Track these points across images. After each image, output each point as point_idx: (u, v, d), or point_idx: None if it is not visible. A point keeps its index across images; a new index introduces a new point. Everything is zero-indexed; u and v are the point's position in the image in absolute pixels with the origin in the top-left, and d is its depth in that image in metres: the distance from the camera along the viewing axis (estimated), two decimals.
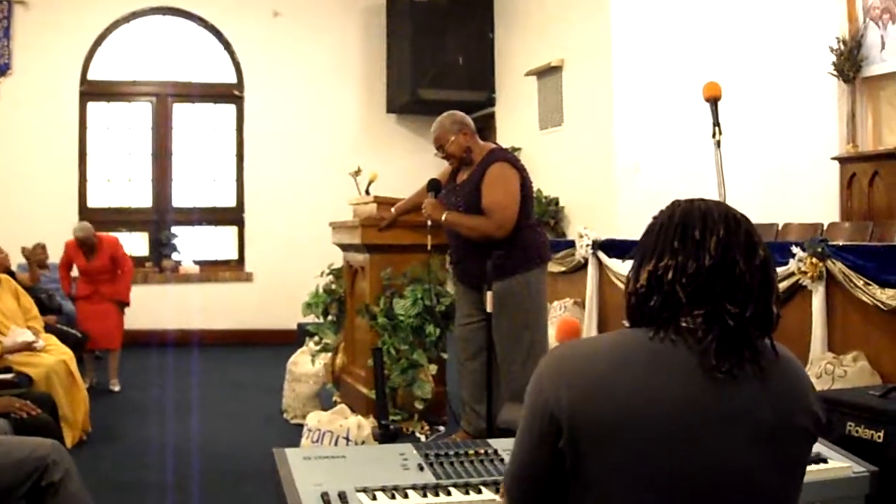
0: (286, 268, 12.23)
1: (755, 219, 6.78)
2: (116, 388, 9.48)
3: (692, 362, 1.95)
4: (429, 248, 6.12)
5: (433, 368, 6.58)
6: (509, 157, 6.08)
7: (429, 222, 6.06)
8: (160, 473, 6.31)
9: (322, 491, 2.72)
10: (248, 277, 13.42)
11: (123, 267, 9.72)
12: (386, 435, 3.25)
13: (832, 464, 3.22)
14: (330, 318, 7.71)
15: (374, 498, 2.73)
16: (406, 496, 2.76)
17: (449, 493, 2.79)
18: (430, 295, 6.47)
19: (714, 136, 4.95)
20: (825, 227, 8.26)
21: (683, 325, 1.98)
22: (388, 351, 6.39)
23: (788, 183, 9.56)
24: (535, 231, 6.05)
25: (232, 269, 13.55)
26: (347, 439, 5.43)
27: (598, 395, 1.93)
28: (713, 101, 4.97)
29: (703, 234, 2.01)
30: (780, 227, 8.75)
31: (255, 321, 12.81)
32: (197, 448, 7.01)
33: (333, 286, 7.77)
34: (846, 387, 5.72)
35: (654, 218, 2.15)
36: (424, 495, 2.78)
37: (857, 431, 3.90)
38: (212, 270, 13.45)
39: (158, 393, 9.33)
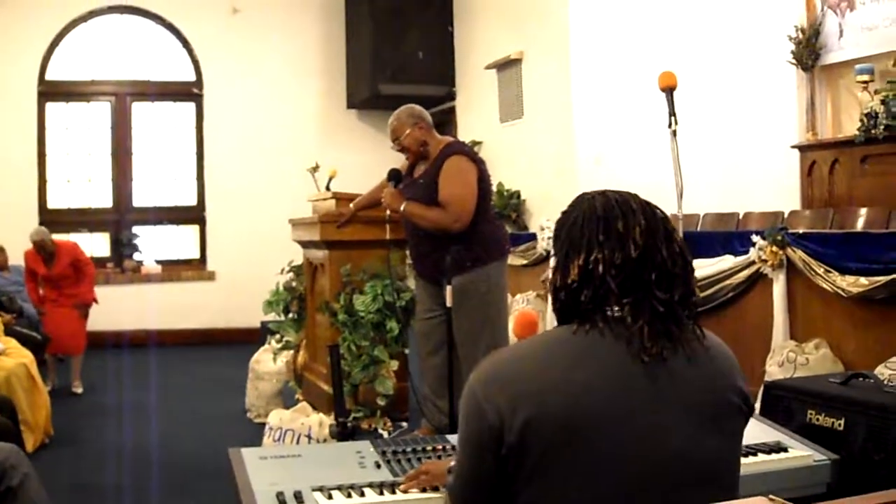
0: (249, 266, 12.17)
1: (715, 209, 6.85)
2: (79, 391, 9.43)
3: (621, 349, 1.99)
4: (387, 237, 6.11)
5: (394, 364, 6.56)
6: (466, 151, 6.05)
7: (387, 213, 6.03)
8: (121, 476, 6.28)
9: (277, 490, 2.69)
10: (210, 276, 13.37)
11: (85, 270, 9.64)
12: (343, 433, 3.21)
13: (793, 452, 3.22)
14: (291, 315, 7.69)
15: (330, 497, 2.70)
16: (362, 494, 2.73)
17: (406, 490, 2.75)
18: (390, 290, 6.44)
19: (670, 125, 4.93)
20: (786, 216, 8.27)
21: (609, 314, 2.02)
22: (349, 347, 6.37)
23: (748, 172, 9.57)
24: (493, 224, 6.03)
25: (194, 268, 13.49)
26: (309, 437, 5.40)
27: (531, 395, 1.95)
28: (669, 91, 4.96)
29: (626, 226, 2.06)
30: (740, 217, 8.75)
31: (218, 320, 12.75)
32: (159, 449, 6.98)
33: (294, 283, 7.74)
34: (808, 374, 5.74)
35: (567, 213, 2.19)
36: (381, 493, 2.75)
37: (817, 420, 3.89)
38: (174, 270, 13.39)
39: (121, 395, 9.24)
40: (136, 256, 13.28)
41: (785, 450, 3.22)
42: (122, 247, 13.24)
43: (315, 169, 7.87)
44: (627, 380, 1.97)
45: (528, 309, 8.77)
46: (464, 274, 5.65)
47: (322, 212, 7.11)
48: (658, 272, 2.03)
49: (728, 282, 7.00)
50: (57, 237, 11.23)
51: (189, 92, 13.52)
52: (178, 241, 13.77)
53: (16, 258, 10.88)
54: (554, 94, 10.48)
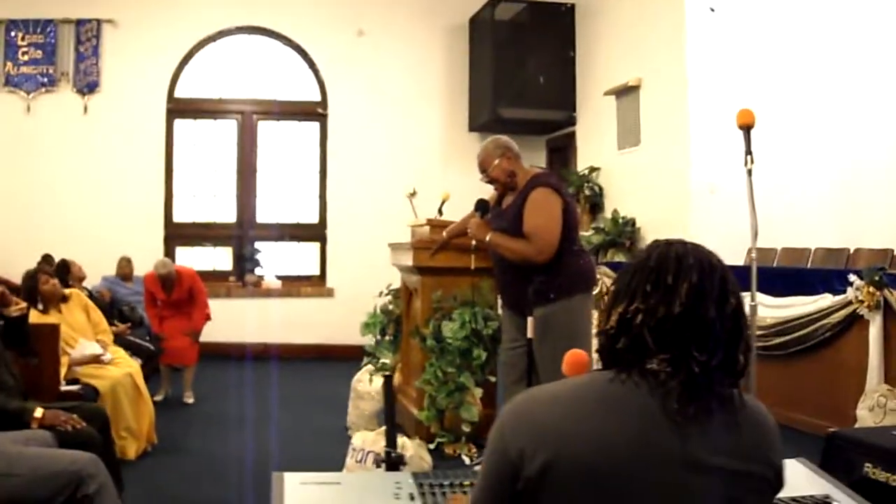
0: (367, 284, 12.20)
1: (826, 243, 6.72)
2: (190, 401, 9.62)
3: (654, 405, 1.95)
4: (472, 268, 6.11)
5: (479, 392, 6.58)
6: (552, 182, 6.01)
7: (473, 243, 6.04)
8: (218, 488, 6.35)
9: None
10: (329, 293, 13.54)
11: (199, 298, 9.84)
12: (388, 462, 3.24)
13: None
14: (387, 338, 7.76)
15: None
16: None
17: None
18: (478, 318, 6.46)
19: (746, 164, 4.84)
20: (895, 254, 8.09)
21: (648, 367, 1.98)
22: (436, 373, 6.40)
23: (863, 206, 9.38)
24: (578, 257, 5.98)
25: (314, 285, 13.67)
26: None
27: (555, 438, 1.94)
28: (746, 129, 4.86)
29: (675, 280, 2.00)
30: (851, 252, 8.57)
31: (336, 336, 12.86)
32: (256, 463, 7.04)
33: (391, 306, 7.81)
34: None
35: (632, 259, 2.16)
36: None
37: (874, 473, 3.78)
38: (293, 285, 13.57)
39: (231, 407, 9.41)
40: (258, 271, 13.50)
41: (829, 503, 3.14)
42: (245, 261, 13.47)
43: (413, 195, 7.93)
44: (656, 437, 1.93)
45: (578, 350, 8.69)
46: (546, 306, 5.64)
47: (418, 237, 7.17)
48: (701, 332, 1.98)
49: (825, 321, 6.89)
50: (180, 251, 11.57)
51: (314, 112, 13.72)
52: (299, 258, 13.95)
53: (140, 269, 11.20)
54: (670, 122, 10.41)
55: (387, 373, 3.27)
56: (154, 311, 9.81)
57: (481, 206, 6.13)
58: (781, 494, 3.06)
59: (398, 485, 3.03)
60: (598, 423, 1.94)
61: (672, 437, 1.93)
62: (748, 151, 4.89)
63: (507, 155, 6.08)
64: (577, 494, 1.92)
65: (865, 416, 6.00)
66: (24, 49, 12.80)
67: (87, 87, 12.91)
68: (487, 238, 5.89)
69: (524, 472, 1.95)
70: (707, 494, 1.94)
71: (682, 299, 1.97)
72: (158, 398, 9.34)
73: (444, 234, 6.59)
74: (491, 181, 6.15)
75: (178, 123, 13.46)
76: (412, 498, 2.95)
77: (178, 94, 13.37)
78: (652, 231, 10.84)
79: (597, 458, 1.91)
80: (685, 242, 2.10)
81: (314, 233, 13.81)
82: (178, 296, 9.66)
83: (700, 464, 1.94)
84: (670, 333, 1.97)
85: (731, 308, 2.01)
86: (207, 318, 9.96)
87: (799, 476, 3.24)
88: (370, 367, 7.90)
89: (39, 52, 12.78)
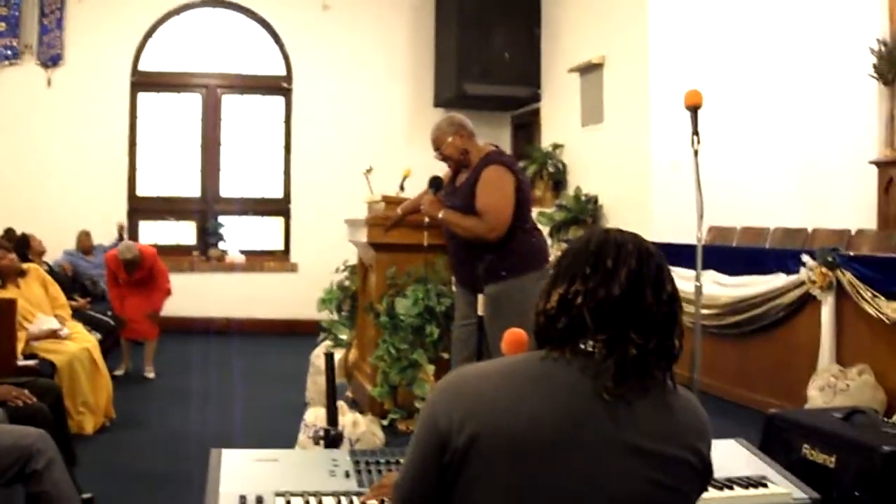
0: (331, 259, 12.21)
1: (787, 223, 6.75)
2: (151, 376, 9.61)
3: (585, 384, 1.99)
4: (425, 244, 6.11)
5: (432, 368, 6.58)
6: (505, 160, 5.98)
7: (426, 220, 6.02)
8: (174, 464, 6.33)
9: (241, 494, 2.74)
10: (293, 268, 13.54)
11: (159, 279, 9.84)
12: (327, 440, 3.26)
13: (772, 489, 3.11)
14: (343, 313, 7.76)
15: (289, 503, 2.75)
16: (320, 502, 2.78)
17: (364, 502, 2.79)
18: (431, 295, 6.46)
19: (692, 144, 4.85)
20: (853, 234, 8.13)
21: (582, 347, 2.02)
22: (389, 350, 6.41)
23: (825, 186, 9.44)
24: (531, 235, 5.95)
25: (277, 260, 13.67)
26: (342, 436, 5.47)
27: (484, 412, 1.97)
28: (693, 110, 4.88)
29: (615, 264, 2.05)
30: (809, 232, 8.62)
31: (298, 311, 12.80)
32: (213, 438, 6.95)
33: (347, 282, 7.81)
34: (847, 401, 5.65)
35: (570, 244, 2.21)
36: (339, 502, 2.79)
37: (811, 455, 3.82)
38: (257, 260, 13.57)
39: (191, 382, 9.40)
40: (221, 245, 13.50)
41: (765, 485, 3.13)
42: (208, 235, 13.48)
43: (369, 171, 7.93)
44: (584, 415, 1.97)
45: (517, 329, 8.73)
46: (498, 283, 5.64)
47: (373, 213, 7.17)
48: (638, 316, 2.03)
49: (778, 301, 6.92)
50: (144, 225, 11.54)
51: (279, 86, 13.69)
52: (263, 233, 13.95)
53: (103, 241, 11.19)
54: (633, 99, 10.42)
55: (330, 350, 3.27)
56: (116, 292, 9.80)
57: (435, 182, 6.13)
58: (718, 475, 3.11)
59: (335, 462, 3.06)
60: (528, 399, 1.98)
61: (601, 416, 1.97)
62: (695, 132, 4.92)
63: (461, 133, 6.05)
64: (501, 467, 1.95)
65: (816, 395, 6.04)
66: None
67: (51, 59, 12.80)
68: (440, 215, 5.88)
69: (451, 443, 1.98)
70: (630, 474, 1.97)
71: (622, 283, 2.03)
72: (119, 373, 9.36)
73: (399, 210, 6.58)
74: (444, 159, 6.14)
75: (142, 97, 13.39)
76: (347, 475, 2.98)
77: (142, 67, 13.30)
78: (614, 208, 10.87)
79: (524, 432, 1.94)
80: (622, 231, 2.15)
81: (278, 207, 13.81)
82: (140, 275, 9.63)
83: (626, 444, 1.97)
84: (609, 315, 2.02)
85: (666, 294, 2.07)
86: (168, 293, 9.93)
87: (736, 456, 3.28)
88: (328, 342, 7.91)
89: (3, 24, 12.64)
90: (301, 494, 2.80)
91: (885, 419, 4.06)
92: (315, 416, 5.71)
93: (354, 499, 2.79)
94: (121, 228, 12.21)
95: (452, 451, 1.98)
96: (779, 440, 4.03)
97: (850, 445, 3.67)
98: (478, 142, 6.12)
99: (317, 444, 3.31)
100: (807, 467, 3.66)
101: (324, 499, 2.80)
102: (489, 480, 1.96)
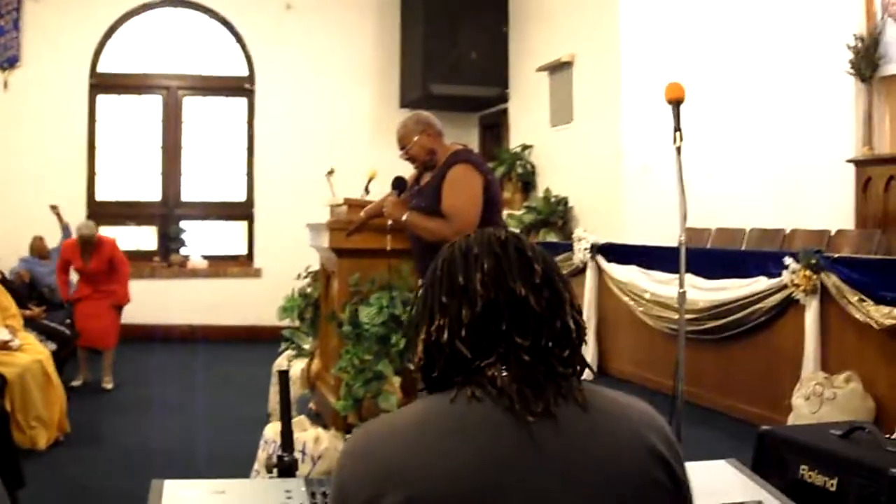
0: (295, 264, 12.05)
1: (763, 224, 6.53)
2: (109, 387, 9.34)
3: (499, 415, 1.69)
4: (388, 248, 5.94)
5: (398, 380, 6.33)
6: (472, 159, 5.73)
7: (389, 223, 5.82)
8: (130, 480, 6.01)
9: None
10: (256, 273, 13.32)
11: (121, 268, 9.60)
12: (281, 468, 2.98)
13: None
14: (305, 322, 7.52)
15: None
16: None
17: None
18: (397, 303, 6.21)
19: (675, 141, 4.59)
20: (832, 235, 7.95)
21: (486, 374, 1.72)
22: (352, 361, 6.15)
23: (802, 186, 9.25)
24: None
25: (241, 265, 13.45)
26: (303, 453, 5.21)
27: (401, 477, 1.67)
28: (675, 104, 4.62)
29: (466, 275, 1.77)
30: (787, 233, 8.43)
31: (262, 317, 12.58)
32: (173, 452, 6.86)
33: (309, 289, 7.58)
34: (834, 411, 5.45)
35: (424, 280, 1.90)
36: None
37: (809, 477, 3.56)
38: (220, 265, 13.36)
39: (152, 392, 9.19)
40: (183, 251, 13.28)
41: None
42: (170, 241, 13.25)
43: (331, 173, 7.71)
44: (509, 455, 1.66)
45: None
46: None
47: (335, 217, 6.95)
48: (515, 316, 1.74)
49: (759, 305, 6.72)
50: (104, 230, 11.20)
51: (241, 87, 13.46)
52: (226, 237, 13.76)
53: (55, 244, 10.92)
54: (603, 99, 10.27)
55: (284, 368, 3.03)
56: (64, 278, 9.63)
57: (398, 184, 5.89)
58: (710, 501, 2.85)
59: (288, 493, 2.77)
60: (446, 451, 1.68)
61: (527, 450, 1.67)
62: (677, 128, 4.65)
63: (428, 132, 5.79)
64: None
65: (801, 405, 5.83)
66: None
67: (8, 61, 12.56)
68: (403, 218, 5.64)
69: None
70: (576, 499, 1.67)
71: (481, 292, 1.74)
72: (76, 383, 9.17)
73: (362, 213, 6.33)
74: (409, 159, 5.89)
75: (102, 99, 13.15)
76: None
77: (101, 69, 13.05)
78: (585, 210, 10.71)
79: (450, 489, 1.65)
80: (468, 234, 1.87)
81: (241, 211, 13.58)
82: (98, 265, 9.40)
83: (563, 470, 1.67)
84: (484, 333, 1.73)
85: (538, 276, 1.77)
86: (128, 277, 9.78)
87: (728, 479, 3.02)
88: (289, 352, 7.67)
89: None
90: None
91: (888, 436, 3.82)
92: (274, 431, 5.45)
93: None
94: (54, 209, 11.67)
95: None
96: (772, 460, 3.79)
97: (854, 467, 3.41)
98: (445, 142, 5.86)
99: (270, 472, 3.03)
100: (805, 490, 3.41)
101: None
102: None
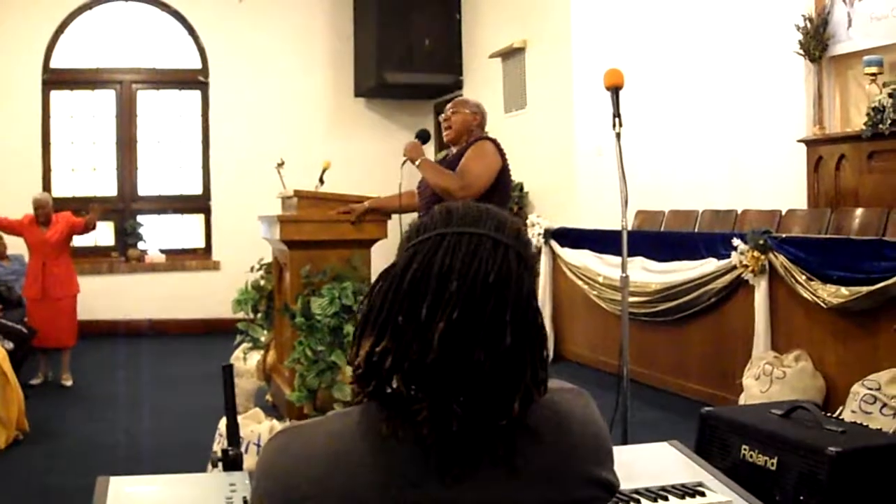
0: (254, 256, 12.01)
1: (716, 205, 6.58)
2: (68, 384, 9.32)
3: (421, 463, 1.53)
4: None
5: (351, 370, 6.34)
6: (498, 143, 5.97)
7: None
8: (90, 478, 6.00)
9: None
10: (215, 266, 13.25)
11: (76, 229, 9.54)
12: (226, 461, 2.99)
13: (710, 497, 2.83)
14: (259, 314, 7.53)
15: None
16: None
17: None
18: (349, 293, 6.24)
19: (614, 127, 4.64)
20: (783, 214, 8.01)
21: (413, 418, 1.53)
22: (305, 352, 6.17)
23: (754, 167, 9.31)
24: None
25: (199, 258, 13.39)
26: (258, 445, 5.22)
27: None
28: (615, 90, 4.67)
29: (430, 315, 1.52)
30: (738, 214, 8.49)
31: (222, 310, 12.53)
32: (134, 447, 6.91)
33: (262, 282, 7.59)
34: (784, 390, 5.51)
35: (388, 268, 1.64)
36: None
37: (751, 456, 3.61)
38: (178, 259, 13.29)
39: (111, 388, 9.17)
40: (141, 245, 13.22)
41: (703, 493, 2.85)
42: (127, 236, 13.17)
43: (281, 165, 7.73)
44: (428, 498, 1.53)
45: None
46: None
47: (286, 209, 6.98)
48: (463, 378, 1.51)
49: (710, 286, 6.77)
50: None
51: (195, 80, 13.39)
52: (184, 231, 13.69)
53: (16, 249, 10.81)
54: (555, 84, 10.29)
55: (229, 364, 3.02)
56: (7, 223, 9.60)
57: (422, 134, 6.26)
58: (651, 483, 2.88)
59: (233, 487, 2.79)
60: (363, 488, 1.53)
61: (442, 501, 1.54)
62: (616, 114, 4.71)
63: (477, 118, 6.11)
64: None
65: (752, 384, 5.89)
66: None
67: None
68: (417, 162, 5.89)
69: None
70: None
71: (435, 346, 1.50)
72: (36, 381, 9.15)
73: (367, 203, 6.45)
74: (447, 123, 6.09)
75: (55, 95, 13.04)
76: (245, 501, 2.70)
77: (53, 64, 12.93)
78: (540, 196, 10.74)
79: None
80: (460, 241, 1.57)
81: (198, 204, 13.52)
82: (53, 233, 9.34)
83: None
84: (424, 381, 1.52)
85: (509, 336, 1.53)
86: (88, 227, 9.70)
87: (670, 461, 3.05)
88: (245, 345, 7.68)
89: None
90: None
91: (828, 414, 3.87)
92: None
93: None
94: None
95: None
96: (715, 441, 3.83)
97: (793, 446, 3.46)
98: (483, 132, 6.15)
99: (215, 466, 3.04)
100: (746, 470, 3.46)
101: None
102: None
